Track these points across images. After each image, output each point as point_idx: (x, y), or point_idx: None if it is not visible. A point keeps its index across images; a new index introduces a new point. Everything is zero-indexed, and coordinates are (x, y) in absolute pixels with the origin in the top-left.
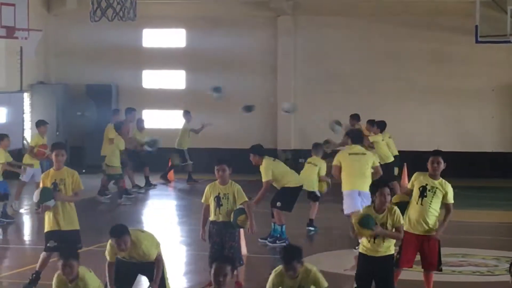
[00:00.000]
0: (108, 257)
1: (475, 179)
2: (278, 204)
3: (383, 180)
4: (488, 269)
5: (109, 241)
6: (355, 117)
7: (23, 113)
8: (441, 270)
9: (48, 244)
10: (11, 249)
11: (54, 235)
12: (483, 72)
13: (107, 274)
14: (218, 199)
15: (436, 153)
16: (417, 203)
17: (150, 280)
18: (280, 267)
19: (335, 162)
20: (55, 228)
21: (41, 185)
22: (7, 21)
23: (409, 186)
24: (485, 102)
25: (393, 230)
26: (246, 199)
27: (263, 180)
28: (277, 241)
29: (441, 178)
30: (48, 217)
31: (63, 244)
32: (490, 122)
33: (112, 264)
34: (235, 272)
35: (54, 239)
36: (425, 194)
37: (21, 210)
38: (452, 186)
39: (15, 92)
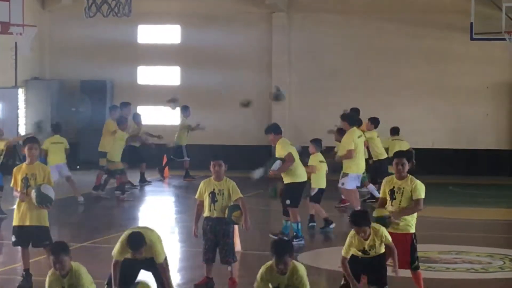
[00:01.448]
0: (115, 256)
1: (470, 177)
2: (288, 202)
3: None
4: (482, 266)
5: (120, 239)
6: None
7: (18, 108)
8: (414, 268)
9: (12, 240)
10: (4, 245)
11: (18, 229)
12: (478, 70)
13: (112, 273)
14: (213, 195)
15: (400, 155)
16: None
17: (154, 274)
18: (270, 262)
19: (349, 145)
20: (20, 223)
21: (12, 179)
22: (1, 17)
23: (381, 194)
24: (479, 99)
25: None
26: (241, 195)
27: (284, 155)
28: (294, 240)
29: (408, 175)
30: (17, 210)
31: (28, 239)
32: (484, 120)
33: (118, 264)
34: (229, 269)
35: (18, 234)
36: (394, 196)
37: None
38: (447, 184)
39: (9, 88)
